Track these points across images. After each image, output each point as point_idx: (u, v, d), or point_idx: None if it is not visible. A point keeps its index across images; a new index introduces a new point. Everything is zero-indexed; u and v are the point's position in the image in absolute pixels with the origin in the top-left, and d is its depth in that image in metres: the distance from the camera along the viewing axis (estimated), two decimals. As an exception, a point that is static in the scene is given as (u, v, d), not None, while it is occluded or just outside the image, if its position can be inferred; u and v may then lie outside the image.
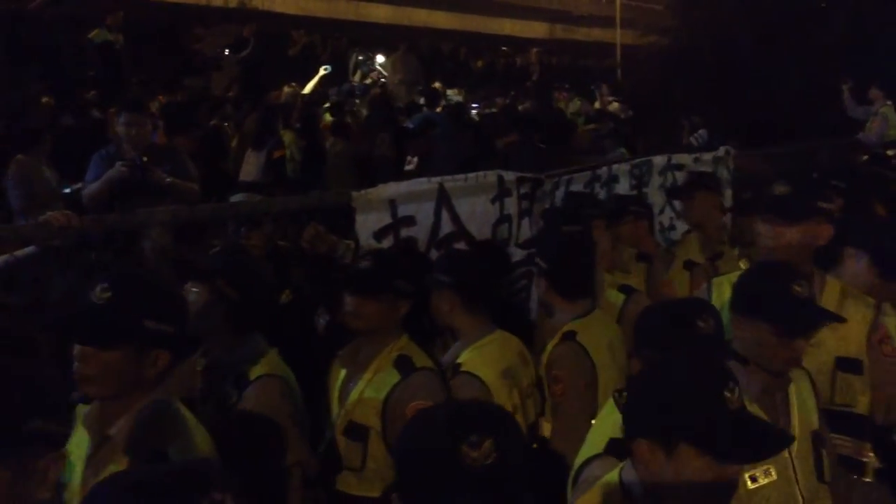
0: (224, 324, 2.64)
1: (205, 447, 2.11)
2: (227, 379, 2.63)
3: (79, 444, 2.11)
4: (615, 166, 5.23)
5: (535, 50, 17.03)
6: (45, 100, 8.77)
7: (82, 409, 2.16)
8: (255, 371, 2.63)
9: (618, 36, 18.00)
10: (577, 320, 3.18)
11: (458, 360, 2.99)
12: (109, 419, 2.08)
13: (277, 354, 2.73)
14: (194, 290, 2.65)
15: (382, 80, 13.35)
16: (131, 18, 10.59)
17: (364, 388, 2.84)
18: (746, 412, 1.86)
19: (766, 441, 1.85)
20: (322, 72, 11.69)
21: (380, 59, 13.95)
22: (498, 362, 3.02)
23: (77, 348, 2.05)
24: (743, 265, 4.38)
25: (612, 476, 1.96)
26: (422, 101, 11.14)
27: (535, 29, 19.85)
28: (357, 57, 14.08)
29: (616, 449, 2.12)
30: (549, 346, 3.17)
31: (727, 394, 1.80)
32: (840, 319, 2.64)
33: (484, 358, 2.99)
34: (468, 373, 2.92)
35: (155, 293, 2.12)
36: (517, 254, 4.32)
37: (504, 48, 17.48)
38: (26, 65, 8.81)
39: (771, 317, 2.41)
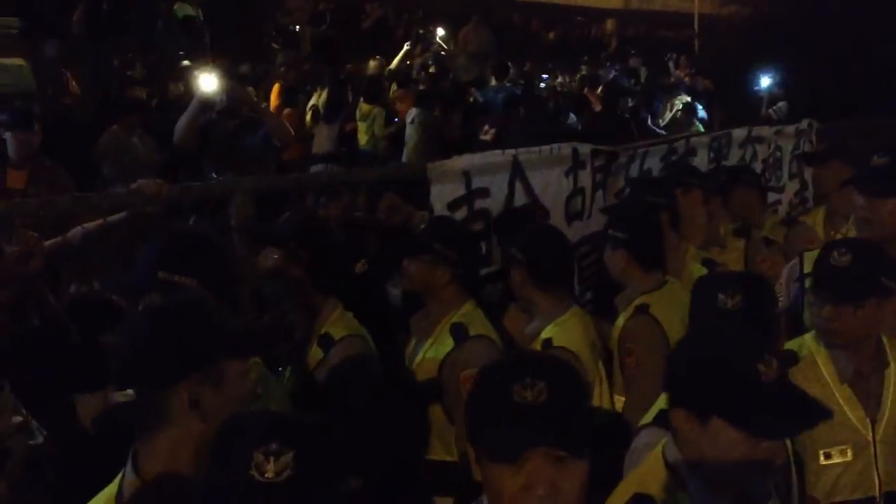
0: (300, 286, 2.73)
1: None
2: (307, 340, 2.72)
3: None
4: (693, 139, 5.16)
5: (610, 20, 16.74)
6: (135, 72, 9.01)
7: None
8: (338, 332, 2.71)
9: (695, 5, 17.53)
10: (650, 293, 3.17)
11: (545, 336, 3.00)
12: None
13: (353, 317, 2.81)
14: (269, 255, 2.74)
15: (442, 52, 13.33)
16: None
17: (424, 354, 2.94)
18: (783, 386, 1.80)
19: (801, 415, 1.80)
20: (406, 46, 11.77)
21: (440, 32, 13.89)
22: (584, 336, 3.05)
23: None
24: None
25: (657, 450, 1.97)
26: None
27: (609, -1, 19.49)
28: (418, 30, 14.07)
29: (663, 420, 2.12)
30: (622, 320, 3.17)
31: (761, 367, 1.75)
32: None
33: (571, 333, 3.02)
34: (563, 348, 2.93)
35: (174, 246, 2.19)
36: (590, 226, 4.32)
37: (579, 18, 17.23)
38: (117, 38, 9.05)
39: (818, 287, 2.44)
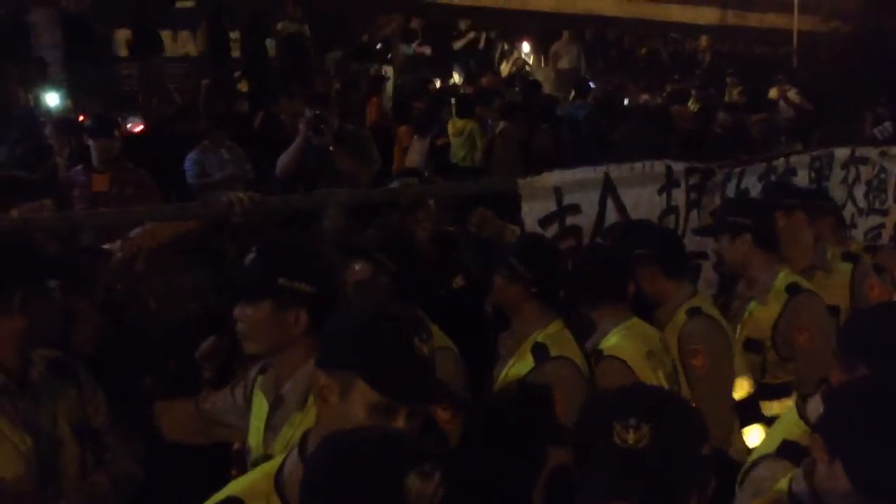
0: (387, 297, 2.74)
1: None
2: None
3: (259, 410, 2.24)
4: (793, 158, 4.98)
5: (704, 37, 16.43)
6: (242, 88, 9.36)
7: (261, 380, 2.29)
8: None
9: (794, 22, 17.06)
10: (692, 298, 3.28)
11: (600, 347, 2.98)
12: (280, 381, 2.20)
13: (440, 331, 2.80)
14: (357, 266, 2.76)
15: (527, 67, 13.31)
16: (306, 8, 11.05)
17: (507, 373, 2.91)
18: None
19: None
20: (510, 64, 11.90)
21: (525, 48, 13.88)
22: (640, 345, 3.00)
23: (236, 308, 2.18)
24: None
25: (782, 485, 1.86)
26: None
27: (705, 15, 19.12)
28: (503, 46, 14.10)
29: (788, 451, 2.05)
30: (675, 327, 3.20)
31: None
32: None
33: (625, 342, 2.98)
34: (612, 356, 2.91)
35: (292, 255, 2.20)
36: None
37: (673, 35, 16.97)
38: (225, 55, 9.44)
39: None
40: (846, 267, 4.00)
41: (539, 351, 2.84)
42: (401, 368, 1.70)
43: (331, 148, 5.26)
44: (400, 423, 1.68)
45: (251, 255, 2.18)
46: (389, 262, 2.77)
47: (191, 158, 6.90)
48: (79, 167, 5.07)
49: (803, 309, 3.39)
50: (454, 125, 8.86)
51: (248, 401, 2.32)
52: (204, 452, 2.58)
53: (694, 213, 4.33)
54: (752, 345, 3.49)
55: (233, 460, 2.89)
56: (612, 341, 2.98)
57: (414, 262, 2.85)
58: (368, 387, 1.69)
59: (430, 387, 1.77)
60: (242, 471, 2.71)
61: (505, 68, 13.23)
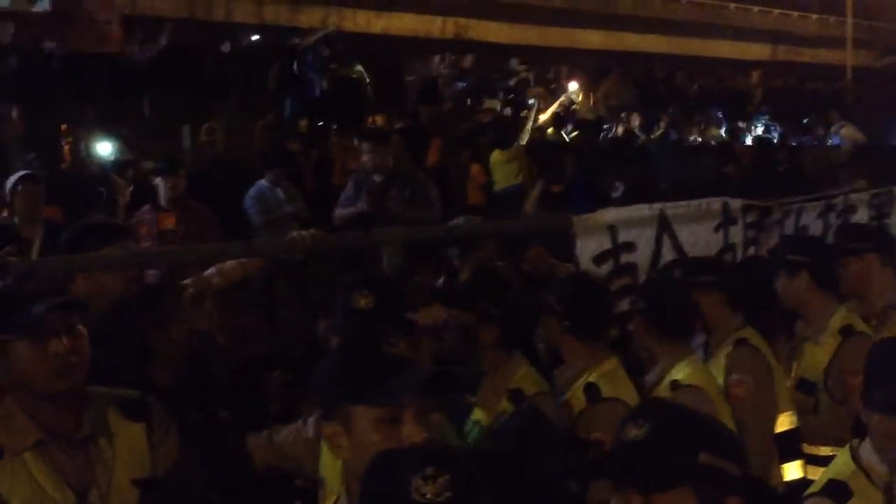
0: (494, 343, 2.76)
1: None
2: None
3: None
4: (852, 195, 4.91)
5: (756, 72, 16.32)
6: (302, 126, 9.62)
7: None
8: (530, 388, 2.75)
9: (848, 57, 16.88)
10: (742, 329, 3.31)
11: (675, 378, 2.97)
12: None
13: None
14: (453, 315, 2.79)
15: (574, 106, 13.37)
16: (356, 51, 11.30)
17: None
18: None
19: None
20: (563, 98, 12.01)
21: (573, 86, 13.96)
22: (712, 377, 3.06)
23: None
24: None
25: None
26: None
27: (756, 51, 19.01)
28: (549, 85, 14.21)
29: (833, 490, 2.07)
30: (721, 355, 3.25)
31: None
32: None
33: (699, 373, 3.02)
34: (693, 386, 2.92)
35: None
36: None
37: (723, 70, 16.89)
38: (287, 94, 9.73)
39: None
40: None
41: (591, 391, 2.85)
42: (378, 374, 1.76)
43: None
44: (409, 426, 1.72)
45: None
46: (494, 309, 2.81)
47: (251, 197, 7.07)
48: (146, 207, 5.19)
49: (856, 351, 3.26)
50: (493, 158, 9.07)
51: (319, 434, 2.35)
52: (266, 486, 2.62)
53: (751, 251, 4.30)
54: (804, 385, 3.46)
55: (295, 494, 2.92)
56: (686, 372, 2.99)
57: (517, 307, 2.90)
58: (363, 406, 1.74)
59: (412, 379, 1.80)
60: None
61: (551, 108, 13.31)
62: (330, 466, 2.25)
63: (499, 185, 9.12)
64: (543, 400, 2.71)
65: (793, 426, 3.38)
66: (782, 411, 3.33)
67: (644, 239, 3.90)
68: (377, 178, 5.43)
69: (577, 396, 2.88)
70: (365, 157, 5.52)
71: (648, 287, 3.34)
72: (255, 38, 11.32)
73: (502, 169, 9.12)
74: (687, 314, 3.15)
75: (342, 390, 1.76)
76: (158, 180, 5.17)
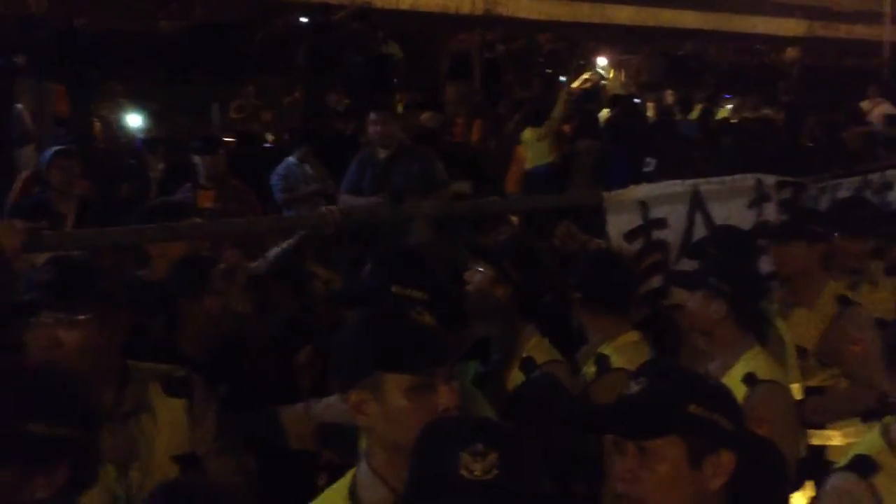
0: (505, 306, 2.74)
1: None
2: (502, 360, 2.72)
3: None
4: (889, 172, 4.82)
5: (791, 49, 16.04)
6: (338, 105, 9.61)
7: None
8: (541, 356, 2.72)
9: (886, 32, 16.52)
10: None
11: (747, 371, 2.82)
12: None
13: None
14: (480, 269, 2.78)
15: (603, 82, 13.22)
16: (388, 29, 11.26)
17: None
18: None
19: None
20: (591, 73, 11.91)
21: (601, 61, 13.78)
22: (779, 369, 2.96)
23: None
24: None
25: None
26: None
27: (791, 27, 18.67)
28: (578, 61, 14.07)
29: (859, 465, 2.08)
30: None
31: None
32: None
33: (772, 366, 2.90)
34: (775, 382, 2.81)
35: (404, 265, 2.24)
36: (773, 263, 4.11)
37: (757, 47, 16.62)
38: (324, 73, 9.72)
39: None
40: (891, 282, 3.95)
41: (601, 362, 2.84)
42: (410, 342, 1.76)
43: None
44: (443, 395, 1.72)
45: (368, 265, 2.23)
46: (516, 272, 2.78)
47: (277, 174, 7.08)
48: (187, 185, 5.16)
49: (856, 320, 3.45)
50: (524, 135, 9.00)
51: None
52: (291, 461, 2.64)
53: (785, 228, 4.23)
54: (796, 351, 3.47)
55: (321, 468, 2.94)
56: (757, 365, 2.84)
57: (540, 278, 2.85)
58: (394, 374, 1.73)
59: (446, 347, 1.81)
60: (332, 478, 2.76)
61: (577, 82, 13.17)
62: None
63: (530, 163, 9.06)
64: (557, 368, 2.68)
65: (802, 397, 3.37)
66: (793, 382, 3.27)
67: (676, 215, 3.86)
68: (382, 154, 5.29)
69: (590, 368, 2.87)
70: (371, 129, 5.38)
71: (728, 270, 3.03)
72: (287, 13, 11.33)
73: (534, 147, 9.06)
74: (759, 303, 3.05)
75: (373, 358, 1.75)
76: (197, 158, 5.11)
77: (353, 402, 1.76)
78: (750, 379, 2.75)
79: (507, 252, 2.88)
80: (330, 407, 2.42)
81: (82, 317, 2.00)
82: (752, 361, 2.83)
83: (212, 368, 2.44)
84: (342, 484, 1.81)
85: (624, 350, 2.84)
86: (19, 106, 7.12)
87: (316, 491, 2.74)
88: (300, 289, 3.49)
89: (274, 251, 3.17)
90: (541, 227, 4.27)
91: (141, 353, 2.25)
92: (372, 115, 5.36)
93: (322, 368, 2.64)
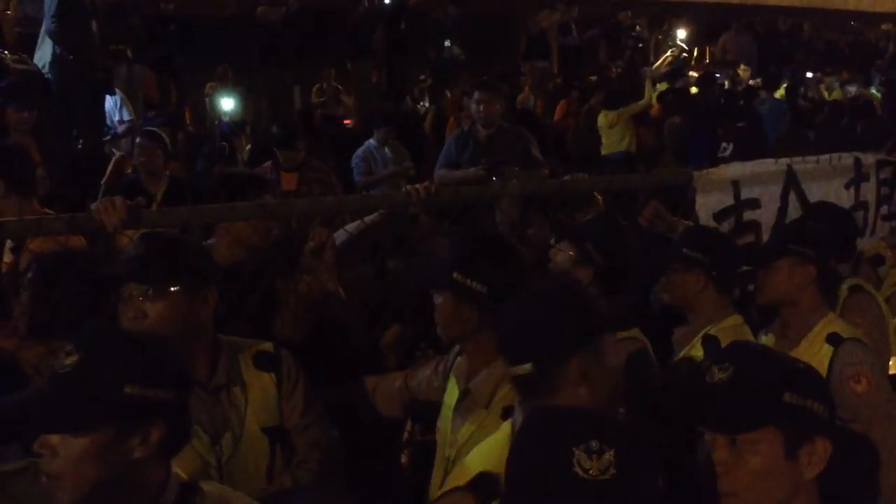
0: (588, 286, 2.68)
1: None
2: None
3: (451, 394, 2.28)
4: None
5: (886, 24, 15.35)
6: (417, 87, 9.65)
7: (458, 363, 2.32)
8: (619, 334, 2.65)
9: None
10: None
11: (830, 331, 2.76)
12: (471, 372, 2.21)
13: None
14: (562, 249, 2.73)
15: (685, 55, 12.85)
16: (468, 8, 11.21)
17: None
18: None
19: None
20: (673, 49, 11.65)
21: (681, 34, 13.38)
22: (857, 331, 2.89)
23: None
24: None
25: None
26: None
27: (886, 2, 17.86)
28: (657, 35, 13.73)
29: None
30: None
31: None
32: None
33: (851, 327, 2.84)
34: (858, 339, 2.74)
35: (473, 253, 2.23)
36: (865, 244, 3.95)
37: (852, 23, 15.95)
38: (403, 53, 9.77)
39: None
40: None
41: (710, 343, 2.74)
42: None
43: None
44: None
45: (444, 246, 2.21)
46: (598, 254, 2.73)
47: (357, 156, 7.13)
48: (268, 164, 5.24)
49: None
50: (605, 117, 8.83)
51: (446, 380, 2.35)
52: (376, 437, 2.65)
53: (884, 209, 4.06)
54: None
55: (404, 445, 2.96)
56: (839, 326, 2.79)
57: (623, 258, 2.77)
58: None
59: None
60: (414, 455, 2.77)
61: (658, 63, 12.85)
62: (445, 415, 2.26)
63: (605, 149, 8.90)
64: (639, 346, 2.62)
65: None
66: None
67: (769, 195, 3.74)
68: (483, 133, 5.31)
69: (696, 349, 2.77)
70: (474, 108, 5.38)
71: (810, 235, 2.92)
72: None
73: (607, 133, 8.89)
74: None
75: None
76: (277, 150, 5.18)
77: (575, 370, 1.75)
78: (833, 338, 2.69)
79: (590, 232, 2.83)
80: (427, 379, 2.43)
81: (166, 289, 2.04)
82: (830, 325, 2.75)
83: (301, 345, 2.46)
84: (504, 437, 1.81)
85: (732, 332, 2.74)
86: (119, 94, 7.34)
87: (398, 467, 2.77)
88: (379, 268, 3.51)
89: (354, 224, 3.17)
90: (626, 208, 4.18)
91: (235, 331, 2.29)
92: (476, 95, 5.38)
93: (408, 347, 2.65)
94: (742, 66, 12.08)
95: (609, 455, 1.33)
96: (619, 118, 8.74)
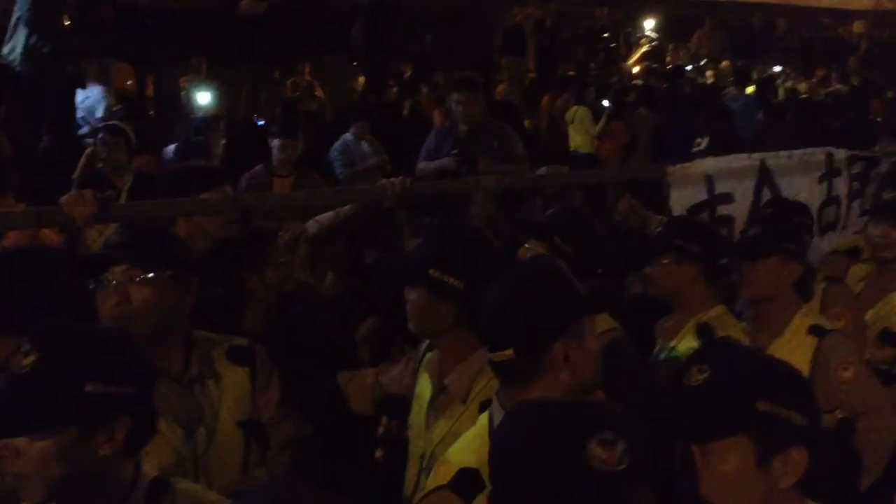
0: None
1: None
2: None
3: (423, 390, 2.27)
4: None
5: (858, 22, 15.52)
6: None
7: (429, 357, 2.31)
8: (601, 325, 2.66)
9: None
10: None
11: (812, 323, 2.82)
12: (444, 368, 2.20)
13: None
14: (529, 247, 2.73)
15: (654, 43, 12.92)
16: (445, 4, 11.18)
17: (669, 354, 2.80)
18: None
19: None
20: (644, 41, 11.70)
21: (648, 24, 13.46)
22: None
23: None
24: None
25: None
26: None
27: (858, 1, 18.05)
28: (626, 29, 13.79)
29: None
30: None
31: None
32: None
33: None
34: (840, 332, 2.85)
35: (450, 247, 2.20)
36: (838, 238, 4.00)
37: (825, 20, 16.10)
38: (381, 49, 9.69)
39: None
40: None
41: (705, 331, 2.73)
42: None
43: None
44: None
45: (418, 240, 2.19)
46: (567, 246, 2.71)
47: (336, 150, 7.10)
48: (259, 168, 5.09)
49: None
50: (571, 114, 8.88)
51: (414, 376, 2.34)
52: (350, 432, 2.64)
53: (856, 204, 4.11)
54: (888, 338, 3.26)
55: (378, 441, 2.94)
56: (814, 316, 2.87)
57: (592, 247, 2.78)
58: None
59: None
60: (389, 451, 2.75)
61: (635, 56, 12.88)
62: (417, 410, 2.25)
63: (572, 143, 8.88)
64: (619, 336, 2.62)
65: None
66: None
67: (742, 190, 3.77)
68: (463, 128, 5.31)
69: (687, 339, 2.75)
70: (454, 107, 5.37)
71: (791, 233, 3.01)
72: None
73: (573, 128, 8.89)
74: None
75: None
76: (276, 142, 5.07)
77: (557, 354, 1.74)
78: (816, 329, 2.74)
79: (556, 225, 2.81)
80: (399, 375, 2.42)
81: (154, 275, 2.03)
82: (807, 317, 2.80)
83: (273, 338, 2.45)
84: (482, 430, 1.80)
85: (721, 321, 2.75)
86: (101, 88, 7.24)
87: (373, 463, 2.76)
88: (354, 261, 3.49)
89: (326, 215, 3.14)
90: (600, 203, 4.20)
91: (204, 324, 2.27)
92: (455, 95, 5.34)
93: (383, 341, 2.63)
94: (725, 62, 12.13)
95: (622, 445, 1.31)
96: (577, 113, 8.78)
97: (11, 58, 6.55)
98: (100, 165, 5.23)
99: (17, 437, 1.50)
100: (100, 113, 7.19)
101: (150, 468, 1.66)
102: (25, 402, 1.50)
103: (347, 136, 7.16)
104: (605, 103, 9.11)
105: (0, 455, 1.51)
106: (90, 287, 2.06)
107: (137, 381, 1.59)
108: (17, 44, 6.54)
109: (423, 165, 5.35)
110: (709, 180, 3.69)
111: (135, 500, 1.59)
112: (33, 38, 6.42)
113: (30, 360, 1.51)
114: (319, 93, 10.07)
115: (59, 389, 1.50)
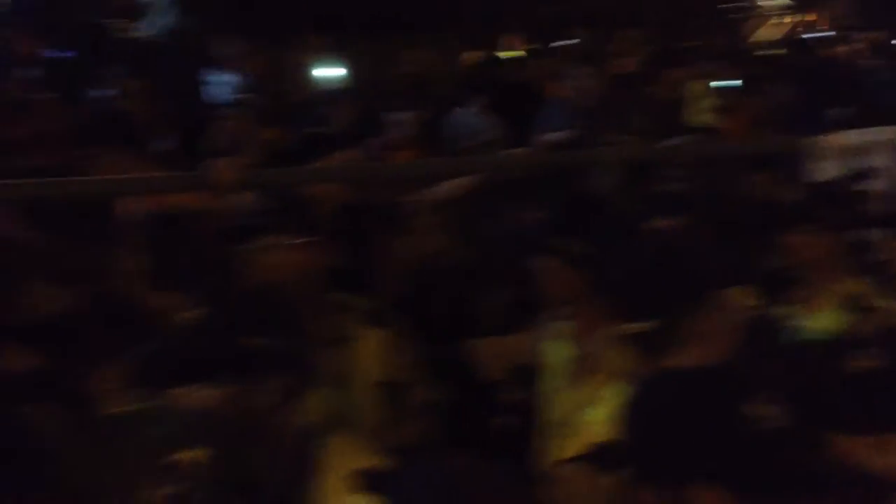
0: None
1: None
2: None
3: (555, 355, 2.29)
4: None
5: None
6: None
7: (562, 327, 2.31)
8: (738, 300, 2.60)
9: None
10: None
11: None
12: (580, 337, 2.22)
13: None
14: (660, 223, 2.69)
15: (785, 12, 12.25)
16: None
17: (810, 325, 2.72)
18: None
19: None
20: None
21: None
22: None
23: None
24: None
25: None
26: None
27: None
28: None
29: None
30: None
31: None
32: None
33: None
34: None
35: (580, 216, 2.22)
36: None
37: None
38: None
39: None
40: None
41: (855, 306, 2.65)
42: None
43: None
44: None
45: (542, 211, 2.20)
46: (699, 221, 2.66)
47: (451, 125, 7.13)
48: (383, 138, 5.16)
49: None
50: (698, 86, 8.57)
51: (546, 343, 2.36)
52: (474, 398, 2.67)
53: None
54: None
55: (507, 408, 2.97)
56: None
57: (728, 223, 2.76)
58: None
59: None
60: (517, 418, 2.78)
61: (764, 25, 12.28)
62: (550, 377, 2.27)
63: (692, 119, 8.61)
64: (756, 308, 2.55)
65: None
66: None
67: (884, 164, 3.61)
68: (583, 101, 5.24)
69: (824, 312, 2.65)
70: (571, 83, 5.31)
71: None
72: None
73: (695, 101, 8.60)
74: None
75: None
76: (400, 115, 5.14)
77: (694, 326, 1.75)
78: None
79: (696, 196, 2.78)
80: (526, 345, 2.44)
81: (300, 240, 2.10)
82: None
83: (408, 303, 2.51)
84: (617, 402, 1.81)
85: (863, 296, 2.66)
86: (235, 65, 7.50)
87: (501, 429, 2.79)
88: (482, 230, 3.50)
89: (452, 182, 3.18)
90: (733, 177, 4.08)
91: (343, 287, 2.35)
92: (573, 71, 5.32)
93: (513, 308, 2.65)
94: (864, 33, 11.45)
95: (776, 406, 1.37)
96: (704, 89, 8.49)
97: (151, 34, 6.87)
98: (231, 137, 5.43)
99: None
100: (231, 90, 7.44)
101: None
102: (191, 354, 1.60)
103: (464, 110, 7.18)
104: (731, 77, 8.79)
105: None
106: (238, 251, 2.16)
107: (295, 338, 1.68)
108: (156, 20, 6.86)
109: (542, 138, 5.34)
110: (848, 153, 3.55)
111: (291, 449, 1.68)
112: (170, 16, 6.71)
113: (196, 314, 1.61)
114: (438, 67, 10.10)
115: (222, 343, 1.60)
